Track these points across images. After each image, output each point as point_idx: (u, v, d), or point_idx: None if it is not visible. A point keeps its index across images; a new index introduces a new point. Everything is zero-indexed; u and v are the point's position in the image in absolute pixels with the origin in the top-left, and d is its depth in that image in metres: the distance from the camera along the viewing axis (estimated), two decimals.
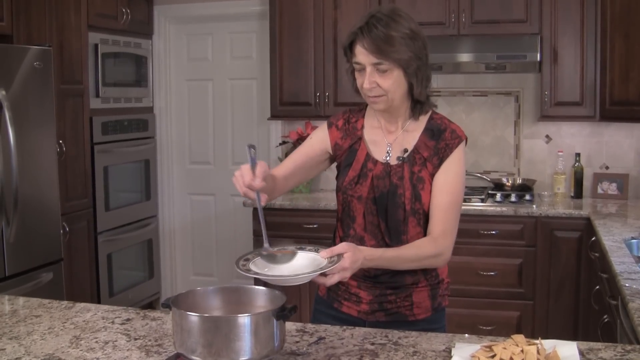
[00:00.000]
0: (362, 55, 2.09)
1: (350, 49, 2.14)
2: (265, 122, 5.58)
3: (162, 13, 5.76)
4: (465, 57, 4.72)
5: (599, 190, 4.92)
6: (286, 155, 5.39)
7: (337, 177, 2.31)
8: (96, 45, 4.95)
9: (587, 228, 4.29)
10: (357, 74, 2.16)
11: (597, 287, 3.55)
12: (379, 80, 2.10)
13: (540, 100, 4.76)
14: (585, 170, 4.92)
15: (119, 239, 5.24)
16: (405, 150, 2.22)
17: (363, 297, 2.23)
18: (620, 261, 2.98)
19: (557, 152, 4.97)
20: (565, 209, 4.50)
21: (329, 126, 2.33)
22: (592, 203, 4.73)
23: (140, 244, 5.60)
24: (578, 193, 4.87)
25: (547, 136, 5.06)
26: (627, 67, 4.35)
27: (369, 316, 2.24)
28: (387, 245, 2.18)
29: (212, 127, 5.92)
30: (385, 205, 2.18)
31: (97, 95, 4.99)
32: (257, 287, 1.91)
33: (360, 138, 2.28)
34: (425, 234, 2.20)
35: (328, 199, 4.96)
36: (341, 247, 1.90)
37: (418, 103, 2.20)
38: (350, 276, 1.92)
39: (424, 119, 2.24)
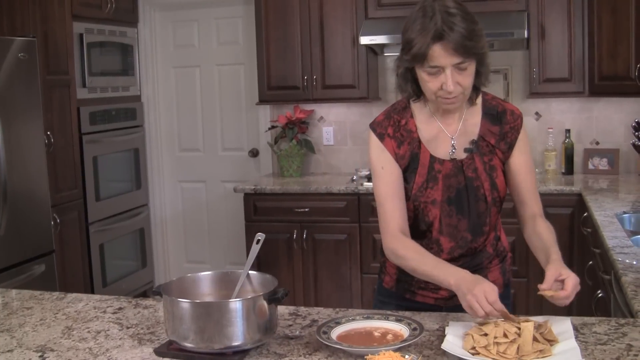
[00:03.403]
0: (442, 57, 1.89)
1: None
2: (254, 107, 5.55)
3: (147, 1, 5.70)
4: None
5: (590, 166, 4.92)
6: (275, 140, 5.37)
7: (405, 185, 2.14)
8: (81, 35, 4.90)
9: (579, 204, 4.29)
10: (427, 77, 1.95)
11: (590, 262, 3.56)
12: (460, 79, 1.94)
13: (529, 78, 4.74)
14: (575, 146, 4.92)
15: (110, 229, 5.22)
16: (473, 142, 2.11)
17: None
18: (612, 236, 2.98)
19: (547, 129, 4.96)
20: (556, 185, 4.50)
21: (382, 139, 2.12)
22: (583, 179, 4.73)
23: (132, 233, 5.59)
24: (569, 169, 4.87)
25: (536, 113, 5.05)
26: (615, 42, 4.33)
27: (448, 302, 2.16)
28: (467, 242, 2.14)
29: (201, 113, 5.88)
30: (466, 201, 2.10)
31: (84, 85, 4.95)
32: (248, 271, 1.91)
33: (419, 141, 2.11)
34: (501, 220, 2.21)
35: (319, 183, 4.95)
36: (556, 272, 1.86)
37: (475, 88, 2.07)
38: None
39: (479, 102, 2.13)
